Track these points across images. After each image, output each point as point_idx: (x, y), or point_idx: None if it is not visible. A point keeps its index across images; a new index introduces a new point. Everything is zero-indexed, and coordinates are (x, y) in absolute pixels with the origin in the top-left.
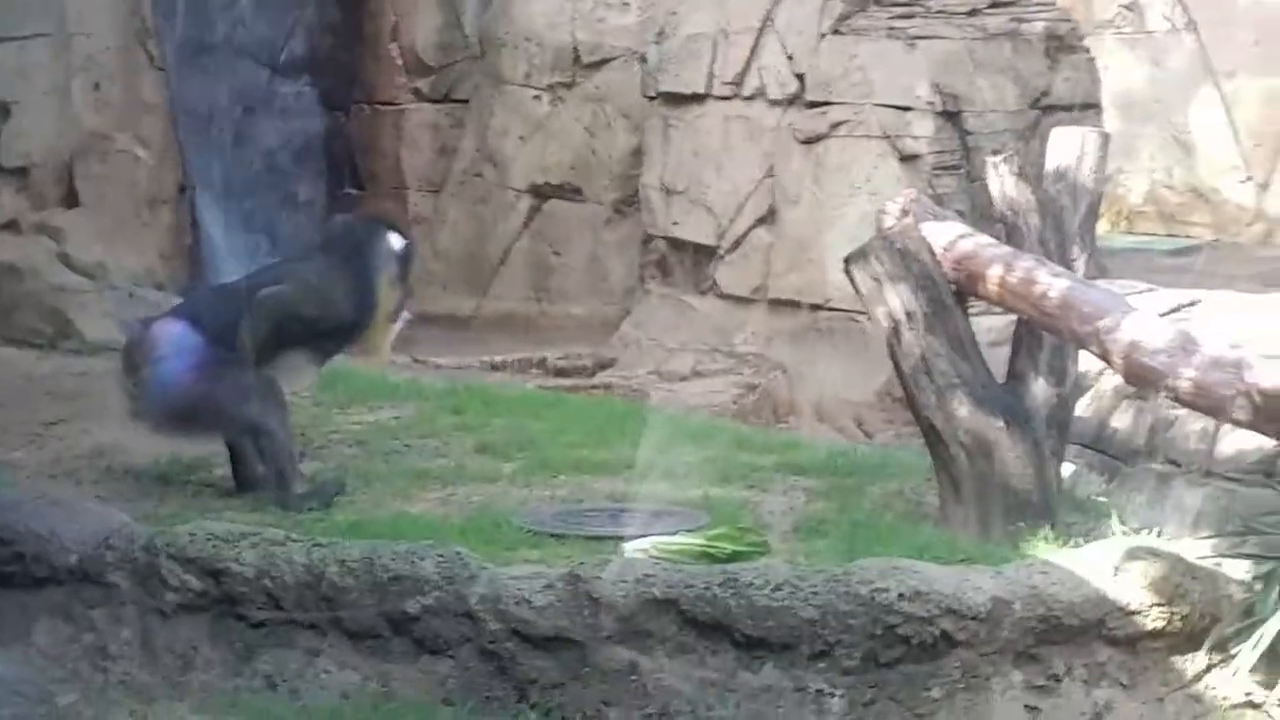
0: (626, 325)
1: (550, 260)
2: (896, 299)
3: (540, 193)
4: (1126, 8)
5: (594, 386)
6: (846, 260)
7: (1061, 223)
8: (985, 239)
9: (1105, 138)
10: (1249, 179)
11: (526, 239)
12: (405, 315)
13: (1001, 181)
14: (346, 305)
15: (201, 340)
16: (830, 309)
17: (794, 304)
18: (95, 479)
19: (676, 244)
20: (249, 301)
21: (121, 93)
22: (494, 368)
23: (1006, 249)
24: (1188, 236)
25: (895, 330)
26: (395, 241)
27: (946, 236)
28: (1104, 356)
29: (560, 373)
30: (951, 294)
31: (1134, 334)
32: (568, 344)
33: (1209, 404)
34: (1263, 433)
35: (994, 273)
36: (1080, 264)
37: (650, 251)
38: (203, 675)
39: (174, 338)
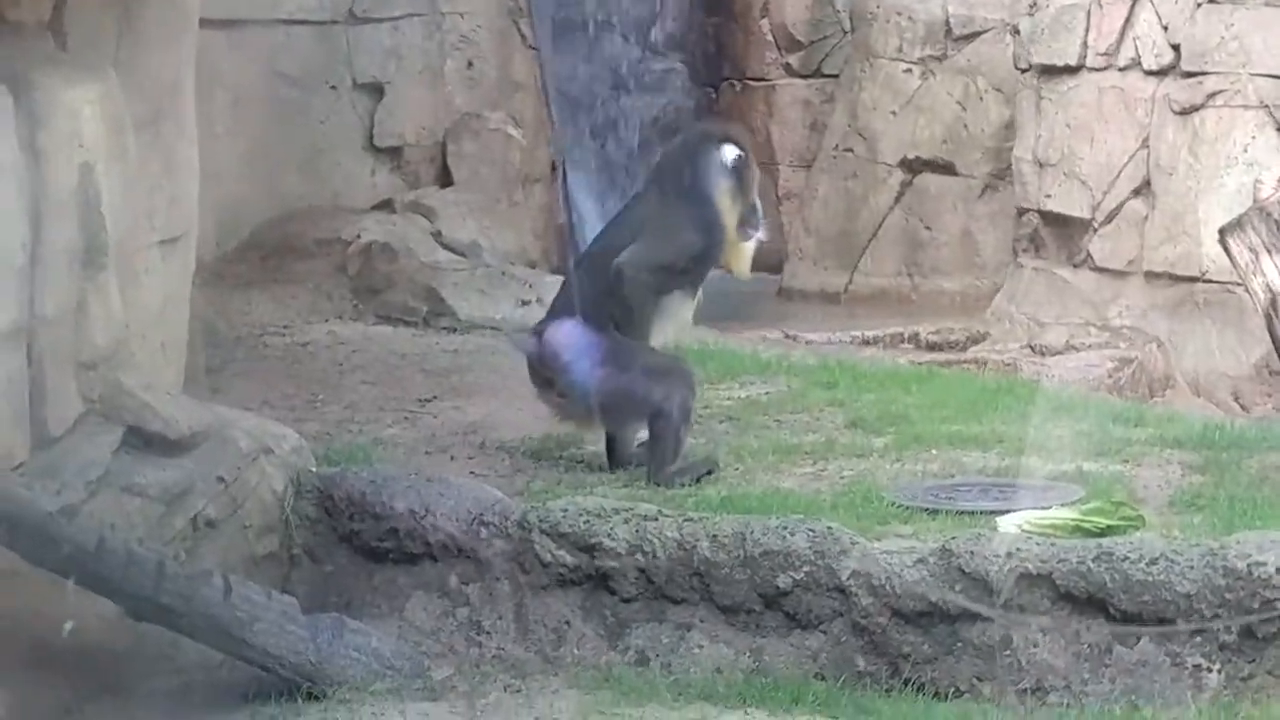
0: (999, 299)
1: (922, 235)
2: (1274, 270)
3: (911, 167)
4: None
5: (966, 361)
6: (1222, 231)
7: None
8: None
9: None
10: None
11: (898, 214)
12: (759, 235)
13: None
14: (695, 234)
15: (595, 333)
16: (1207, 281)
17: (1169, 276)
18: (468, 455)
19: (1049, 217)
20: (612, 274)
21: (494, 71)
22: (865, 343)
23: None
24: None
25: (1273, 302)
26: (725, 154)
27: None
28: None
29: (932, 347)
30: None
31: None
32: (939, 319)
33: None
34: None
35: None
36: None
37: (1023, 225)
38: (576, 650)
39: (571, 339)
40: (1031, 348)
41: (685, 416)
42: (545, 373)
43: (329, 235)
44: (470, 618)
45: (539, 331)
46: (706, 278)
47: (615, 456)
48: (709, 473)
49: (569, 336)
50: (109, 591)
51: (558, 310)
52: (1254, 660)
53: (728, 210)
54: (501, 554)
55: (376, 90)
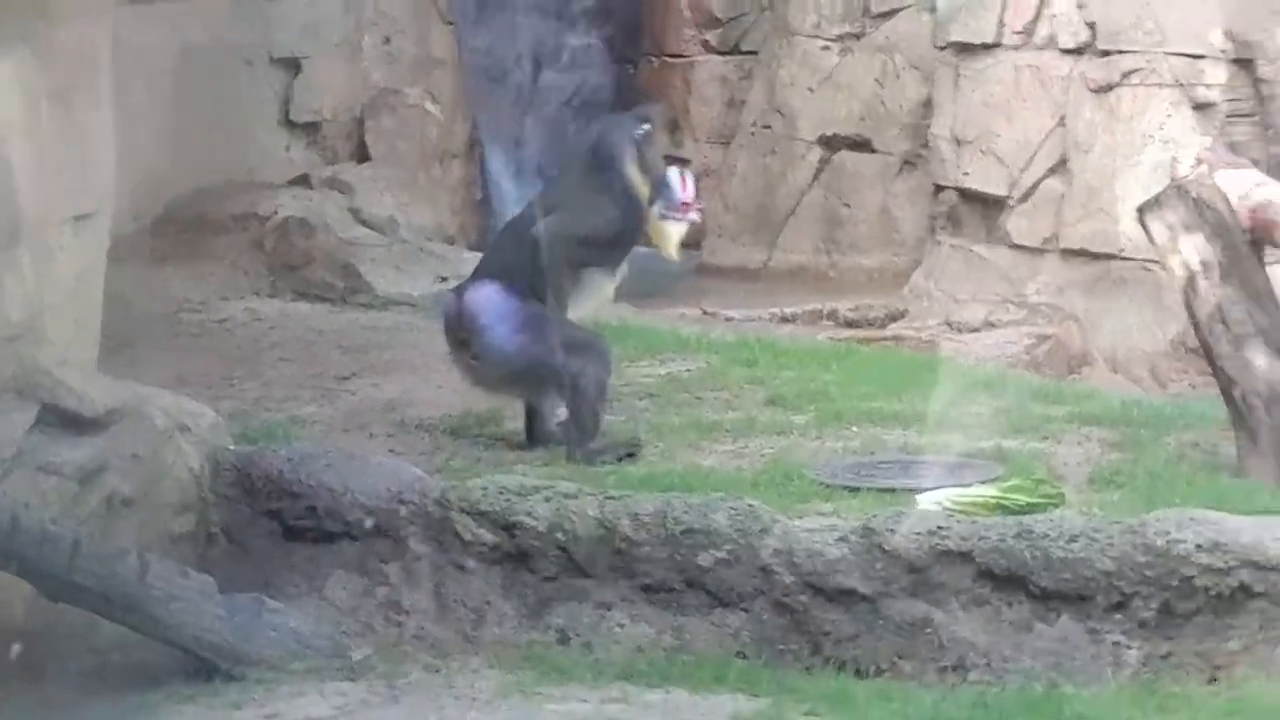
0: (917, 276)
1: (840, 212)
2: (1191, 248)
3: (829, 144)
4: None
5: (885, 338)
6: (1140, 209)
7: None
8: None
9: None
10: None
11: (816, 191)
12: (690, 218)
13: None
14: (613, 212)
15: (516, 300)
16: (1123, 258)
17: (1086, 254)
18: (387, 433)
19: (967, 194)
20: (530, 243)
21: (412, 47)
22: (784, 319)
23: None
24: None
25: (1190, 280)
26: (634, 129)
27: (1242, 185)
28: None
29: (851, 324)
30: (1247, 243)
31: None
32: (858, 295)
33: None
34: None
35: None
36: None
37: (940, 202)
38: (496, 629)
39: (491, 303)
40: (949, 324)
41: (601, 393)
42: (461, 334)
43: (245, 211)
44: (389, 597)
45: (459, 291)
46: (627, 257)
47: (534, 433)
48: (630, 455)
49: (488, 299)
50: (23, 571)
51: (480, 274)
52: (1173, 638)
53: (647, 192)
54: (421, 532)
55: (293, 65)
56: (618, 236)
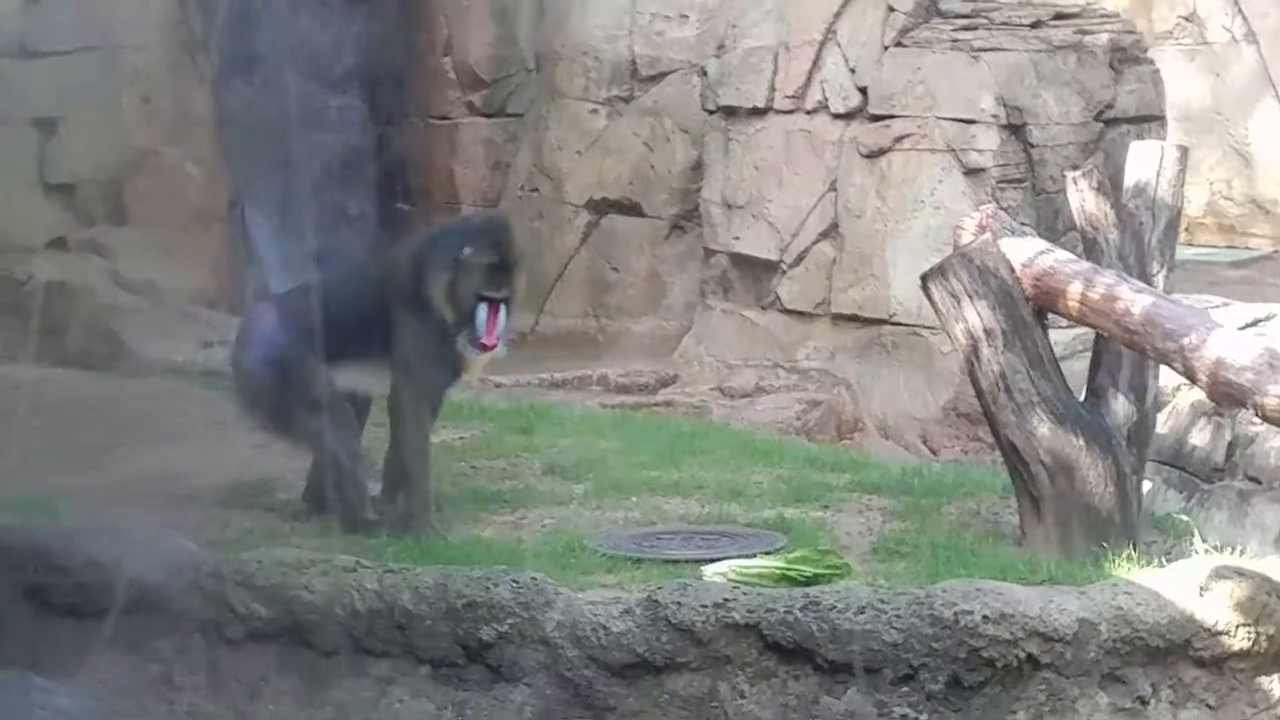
0: (688, 341)
1: (608, 276)
2: (975, 316)
3: (598, 208)
4: (1186, 19)
5: (656, 404)
6: (924, 277)
7: (1141, 238)
8: (1065, 255)
9: (1184, 152)
10: None
11: (584, 255)
12: (493, 354)
13: (1081, 197)
14: (406, 326)
15: (283, 335)
16: (894, 323)
17: (857, 319)
18: (157, 504)
19: (737, 259)
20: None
21: (170, 107)
22: (554, 385)
23: (1086, 265)
24: (1248, 248)
25: (974, 348)
26: (458, 251)
27: (1025, 252)
28: (1188, 374)
29: (621, 390)
30: (1031, 311)
31: (1219, 351)
32: (628, 361)
33: None
34: None
35: (1074, 289)
36: (1160, 279)
37: (711, 267)
38: (272, 706)
39: (262, 327)
40: (721, 390)
41: (354, 459)
42: (237, 340)
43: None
44: (162, 674)
45: (260, 298)
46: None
47: (316, 501)
48: (409, 531)
49: (264, 321)
50: None
51: (278, 302)
52: (960, 710)
53: (451, 317)
54: (194, 607)
55: (49, 125)
56: (412, 358)
